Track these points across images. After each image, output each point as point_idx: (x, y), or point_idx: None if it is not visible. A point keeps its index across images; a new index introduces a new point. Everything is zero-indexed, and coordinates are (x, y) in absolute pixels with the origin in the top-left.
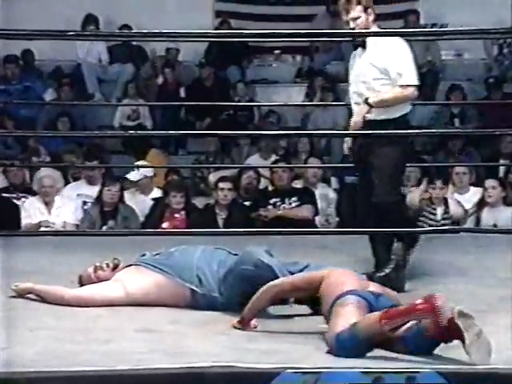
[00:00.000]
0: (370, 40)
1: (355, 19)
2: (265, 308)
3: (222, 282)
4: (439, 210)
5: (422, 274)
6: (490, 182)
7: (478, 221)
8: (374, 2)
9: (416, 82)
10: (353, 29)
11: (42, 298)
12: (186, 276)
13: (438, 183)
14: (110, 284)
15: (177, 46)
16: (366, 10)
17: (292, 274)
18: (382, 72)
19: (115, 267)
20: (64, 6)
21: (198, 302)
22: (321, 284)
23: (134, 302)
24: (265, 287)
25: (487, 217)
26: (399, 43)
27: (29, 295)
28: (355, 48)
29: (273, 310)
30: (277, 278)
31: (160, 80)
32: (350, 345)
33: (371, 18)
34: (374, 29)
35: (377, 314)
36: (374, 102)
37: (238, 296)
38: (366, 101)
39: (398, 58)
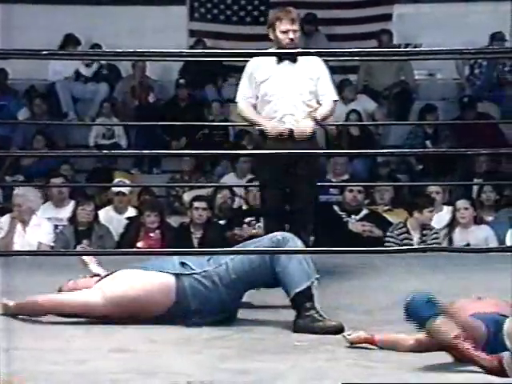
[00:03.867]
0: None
1: (295, 31)
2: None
3: (231, 260)
4: (416, 236)
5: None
6: (461, 204)
7: (450, 240)
8: (349, 21)
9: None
10: (292, 39)
11: (19, 313)
12: (168, 266)
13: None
14: (90, 290)
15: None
16: None
17: None
18: (315, 85)
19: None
20: (44, 29)
21: (184, 288)
22: None
23: (116, 305)
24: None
25: (460, 237)
26: (321, 61)
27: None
28: (279, 61)
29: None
30: None
31: (136, 99)
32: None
33: None
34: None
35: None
36: (320, 115)
37: (246, 267)
38: (310, 115)
39: (327, 75)
